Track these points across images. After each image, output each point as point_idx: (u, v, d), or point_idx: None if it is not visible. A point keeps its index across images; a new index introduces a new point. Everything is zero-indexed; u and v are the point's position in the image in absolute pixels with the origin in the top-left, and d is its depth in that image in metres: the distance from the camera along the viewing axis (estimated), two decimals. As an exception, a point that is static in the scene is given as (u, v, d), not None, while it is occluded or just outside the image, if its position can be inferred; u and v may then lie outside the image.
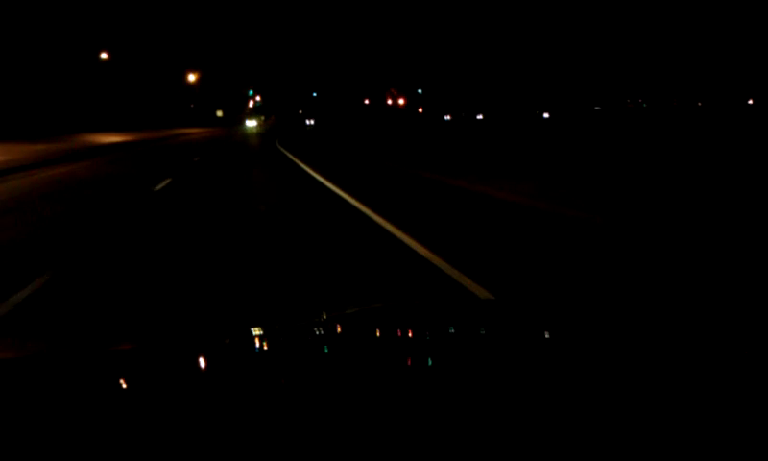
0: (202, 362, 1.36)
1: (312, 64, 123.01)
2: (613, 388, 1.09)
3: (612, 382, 1.12)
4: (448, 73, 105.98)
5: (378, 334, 1.55)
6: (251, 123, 75.31)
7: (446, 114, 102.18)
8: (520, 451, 0.87)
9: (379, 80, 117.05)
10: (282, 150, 25.84)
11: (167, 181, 13.03)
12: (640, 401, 1.02)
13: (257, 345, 1.49)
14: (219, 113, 77.86)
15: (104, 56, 44.37)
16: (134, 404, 1.07)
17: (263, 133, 55.74)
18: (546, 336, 1.54)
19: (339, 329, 1.60)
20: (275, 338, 1.56)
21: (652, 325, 1.56)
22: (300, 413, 0.99)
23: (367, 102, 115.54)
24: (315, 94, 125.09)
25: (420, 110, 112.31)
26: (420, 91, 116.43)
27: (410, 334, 1.53)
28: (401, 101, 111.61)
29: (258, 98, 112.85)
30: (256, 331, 1.59)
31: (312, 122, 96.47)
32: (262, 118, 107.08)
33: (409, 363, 1.30)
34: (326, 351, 1.43)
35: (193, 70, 73.21)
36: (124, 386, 1.20)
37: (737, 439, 0.90)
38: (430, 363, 1.29)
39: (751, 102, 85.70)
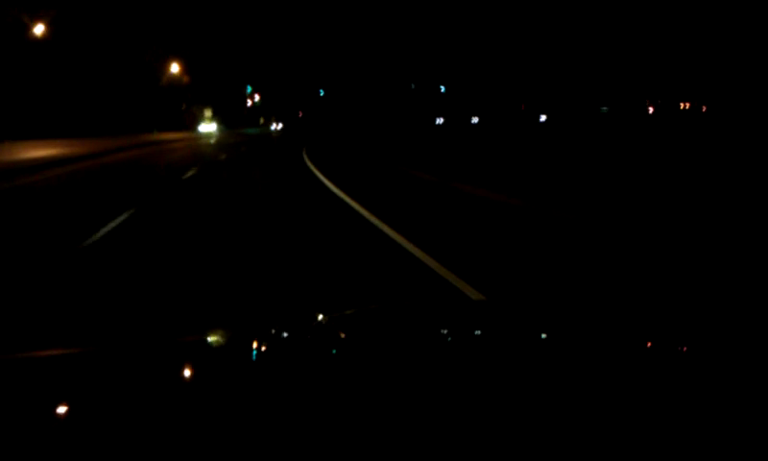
0: (196, 367, 1.32)
1: (316, 61, 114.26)
2: (607, 389, 1.09)
3: (605, 383, 1.12)
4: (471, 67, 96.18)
5: (375, 337, 1.55)
6: (206, 128, 60.68)
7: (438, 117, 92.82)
8: (515, 452, 0.87)
9: (392, 77, 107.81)
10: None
11: None
12: (634, 402, 1.01)
13: (253, 348, 1.47)
14: (208, 114, 67.83)
15: (39, 30, 32.63)
16: (123, 404, 1.04)
17: (237, 143, 40.54)
18: (538, 337, 1.54)
19: (336, 331, 1.60)
20: (271, 341, 1.54)
21: (648, 325, 1.56)
22: (297, 416, 0.99)
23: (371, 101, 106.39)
24: (322, 92, 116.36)
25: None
26: (442, 89, 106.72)
27: (406, 336, 1.54)
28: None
29: (257, 97, 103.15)
30: (252, 334, 1.55)
31: (280, 127, 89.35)
32: (264, 120, 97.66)
33: (404, 365, 1.28)
34: (324, 353, 1.41)
35: (183, 67, 63.59)
36: (112, 384, 1.16)
37: (720, 439, 0.89)
38: (425, 364, 1.27)
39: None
